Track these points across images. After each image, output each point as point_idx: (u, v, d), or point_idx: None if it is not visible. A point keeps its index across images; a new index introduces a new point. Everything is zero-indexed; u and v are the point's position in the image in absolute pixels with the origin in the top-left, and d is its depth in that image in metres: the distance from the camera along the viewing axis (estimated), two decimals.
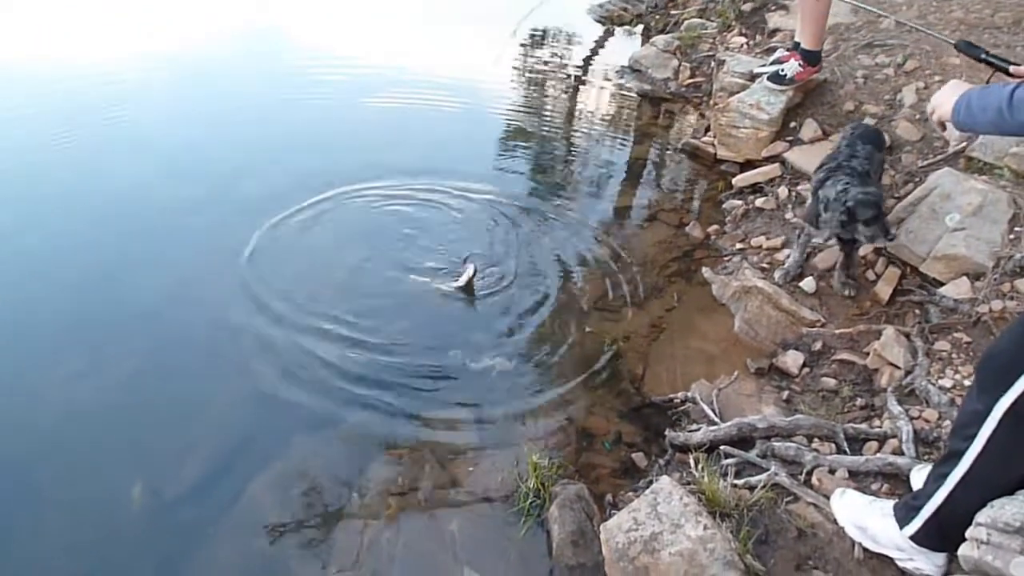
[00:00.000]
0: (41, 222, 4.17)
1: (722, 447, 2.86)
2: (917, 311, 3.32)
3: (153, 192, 4.44)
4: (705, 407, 3.08)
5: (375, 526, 2.68)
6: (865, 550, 2.34)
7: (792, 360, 3.29)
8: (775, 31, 5.73)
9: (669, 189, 4.87)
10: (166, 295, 3.67)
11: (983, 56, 2.44)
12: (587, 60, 6.91)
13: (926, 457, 2.60)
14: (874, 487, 2.59)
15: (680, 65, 6.23)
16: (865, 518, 2.33)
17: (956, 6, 4.85)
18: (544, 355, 3.45)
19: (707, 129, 5.20)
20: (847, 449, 2.77)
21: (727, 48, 5.89)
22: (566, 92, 6.29)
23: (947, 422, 2.71)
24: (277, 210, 4.28)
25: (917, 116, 4.12)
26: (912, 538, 2.17)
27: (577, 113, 5.91)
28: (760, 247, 4.01)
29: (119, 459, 2.92)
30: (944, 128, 2.32)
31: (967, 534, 1.97)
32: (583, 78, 6.53)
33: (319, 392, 3.19)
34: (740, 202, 4.46)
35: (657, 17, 7.48)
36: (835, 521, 2.44)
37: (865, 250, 3.59)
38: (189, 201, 4.32)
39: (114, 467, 2.88)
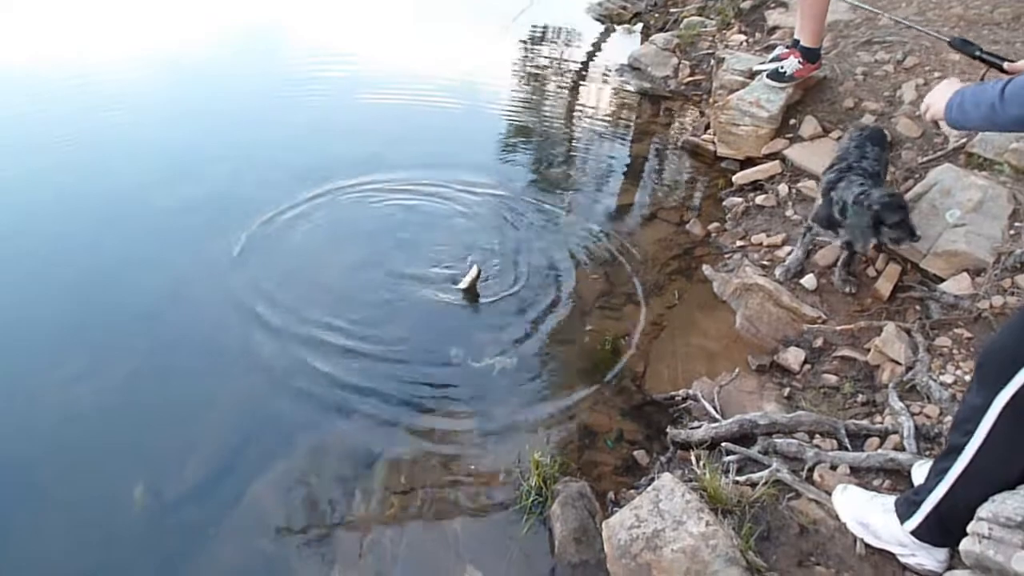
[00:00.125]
0: (39, 223, 4.17)
1: (724, 444, 2.87)
2: (918, 307, 3.33)
3: (152, 192, 4.43)
4: (706, 404, 3.08)
5: (377, 525, 2.68)
6: (867, 546, 2.34)
7: (793, 357, 3.29)
8: (774, 29, 5.73)
9: (669, 187, 4.87)
10: (166, 296, 3.66)
11: (977, 53, 2.45)
12: (587, 58, 6.90)
13: (927, 453, 2.60)
14: (876, 483, 2.59)
15: (680, 63, 6.23)
16: (867, 514, 2.34)
17: (955, 2, 4.85)
18: (545, 353, 3.46)
19: (707, 127, 5.20)
20: (848, 445, 2.77)
21: (726, 46, 5.89)
22: (566, 90, 6.29)
23: (948, 418, 2.71)
24: (276, 208, 4.29)
25: (917, 113, 4.11)
26: (913, 533, 2.17)
27: (577, 111, 5.91)
28: (761, 244, 4.01)
29: (120, 460, 2.92)
30: (937, 127, 2.33)
31: (969, 529, 1.97)
32: (583, 76, 6.53)
33: (320, 392, 3.19)
34: (740, 199, 4.46)
35: (656, 15, 7.49)
36: (837, 517, 2.44)
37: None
38: (188, 200, 4.32)
39: (116, 468, 2.88)
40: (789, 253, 3.74)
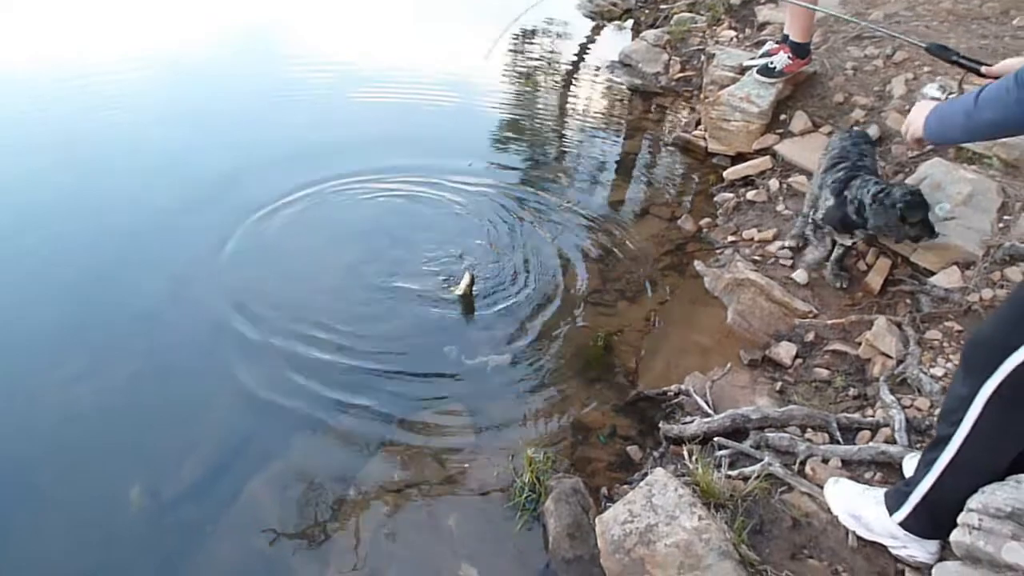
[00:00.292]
0: (37, 223, 4.15)
1: (716, 438, 2.87)
2: (908, 301, 3.34)
3: (149, 192, 4.43)
4: (699, 399, 3.09)
5: (373, 523, 2.69)
6: (859, 538, 2.36)
7: (785, 351, 3.30)
8: (764, 24, 5.74)
9: (661, 183, 4.88)
10: (163, 296, 3.66)
11: (954, 58, 2.46)
12: (578, 55, 6.91)
13: (918, 445, 2.62)
14: (867, 476, 2.60)
15: (670, 59, 6.24)
16: (859, 507, 2.35)
17: None
18: (538, 350, 3.46)
19: (698, 123, 5.21)
20: (840, 439, 2.78)
21: (717, 42, 5.90)
22: (557, 87, 6.30)
23: (939, 410, 2.72)
24: (272, 206, 4.31)
25: (907, 107, 4.13)
26: (901, 524, 2.19)
27: (568, 108, 5.92)
28: (752, 239, 4.02)
29: (118, 460, 2.92)
30: (921, 146, 2.34)
31: (959, 520, 1.98)
32: (574, 73, 6.54)
33: (315, 391, 3.19)
34: (731, 195, 4.47)
35: (647, 11, 7.50)
36: (829, 510, 2.45)
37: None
38: (185, 200, 4.32)
39: (114, 467, 2.88)
40: (809, 255, 3.67)
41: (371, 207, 4.42)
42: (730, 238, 4.12)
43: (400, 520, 2.70)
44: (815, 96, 4.67)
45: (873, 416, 2.86)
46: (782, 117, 4.68)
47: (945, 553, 2.16)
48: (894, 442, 2.66)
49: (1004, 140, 3.52)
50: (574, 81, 6.40)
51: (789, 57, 4.50)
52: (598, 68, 6.55)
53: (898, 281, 3.44)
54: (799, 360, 3.29)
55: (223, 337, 3.43)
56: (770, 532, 2.43)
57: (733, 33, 5.98)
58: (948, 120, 1.98)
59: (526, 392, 3.26)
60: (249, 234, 4.09)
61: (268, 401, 3.13)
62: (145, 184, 4.51)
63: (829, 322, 3.38)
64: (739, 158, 4.72)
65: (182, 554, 2.60)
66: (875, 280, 3.47)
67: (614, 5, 7.76)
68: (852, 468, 2.65)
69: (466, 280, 3.63)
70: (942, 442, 2.02)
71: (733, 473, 2.68)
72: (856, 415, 2.88)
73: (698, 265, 3.94)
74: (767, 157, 4.52)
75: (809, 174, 3.97)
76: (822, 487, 2.52)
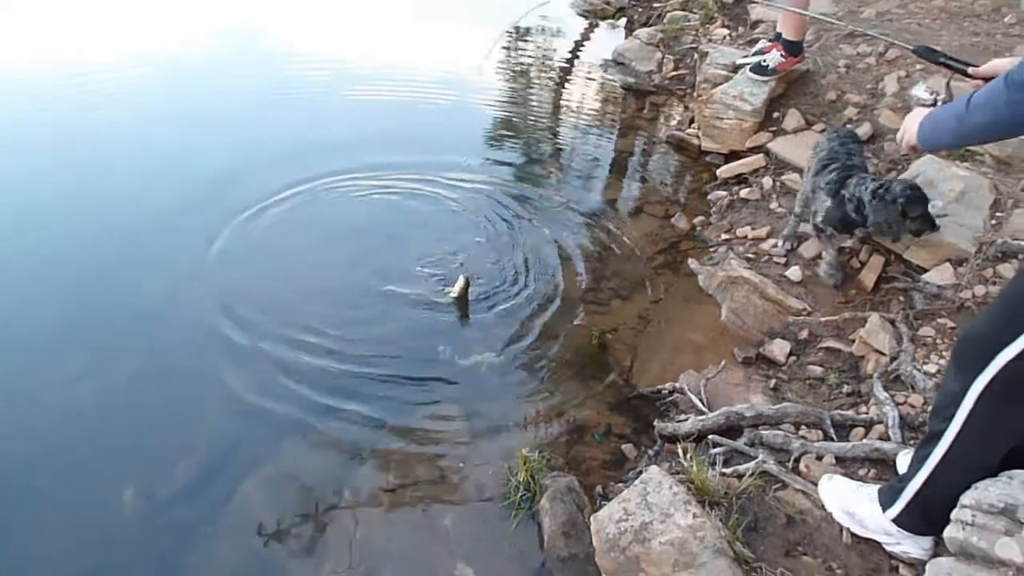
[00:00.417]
0: (36, 224, 4.13)
1: (710, 436, 2.88)
2: (901, 298, 3.35)
3: (145, 191, 4.42)
4: (693, 397, 3.10)
5: (368, 523, 2.68)
6: (853, 535, 2.36)
7: (779, 349, 3.31)
8: (757, 22, 5.76)
9: (655, 181, 4.88)
10: (159, 297, 3.64)
11: (942, 60, 2.46)
12: (572, 54, 6.92)
13: (912, 442, 2.62)
14: (861, 473, 2.61)
15: (663, 57, 6.25)
16: (853, 503, 2.36)
17: None
18: (533, 349, 3.46)
19: (691, 121, 5.22)
20: (834, 436, 2.79)
21: (710, 40, 5.91)
22: (551, 86, 6.30)
23: (931, 407, 2.73)
24: (266, 205, 4.31)
25: (899, 104, 4.14)
26: (895, 520, 2.19)
27: (562, 107, 5.92)
28: (746, 237, 4.03)
29: (113, 461, 2.90)
30: (917, 153, 2.35)
31: (952, 516, 1.99)
32: (568, 72, 6.54)
33: (309, 393, 3.18)
34: (725, 193, 4.48)
35: (640, 10, 7.50)
36: (823, 507, 2.46)
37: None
38: (181, 200, 4.30)
39: (108, 469, 2.87)
40: (824, 264, 3.59)
41: (366, 205, 4.42)
42: (724, 236, 4.13)
43: (395, 520, 2.70)
44: (808, 94, 4.68)
45: (867, 413, 2.86)
46: (775, 115, 4.69)
47: (939, 549, 2.17)
48: (888, 439, 2.67)
49: None
50: (568, 80, 6.40)
51: (782, 55, 4.51)
52: (592, 67, 6.55)
53: (891, 278, 3.45)
54: (793, 357, 3.29)
55: (217, 339, 3.42)
56: (764, 529, 2.43)
57: (726, 31, 5.99)
58: (941, 126, 1.99)
59: (521, 391, 3.26)
60: (244, 233, 4.08)
61: (262, 403, 3.12)
62: (140, 183, 4.50)
63: (823, 319, 3.39)
64: (732, 156, 4.73)
65: (177, 555, 2.59)
66: (868, 277, 3.47)
67: (607, 3, 7.77)
68: (846, 465, 2.66)
69: (460, 283, 3.62)
70: (934, 438, 2.02)
71: (727, 471, 2.69)
72: (850, 412, 2.89)
73: (692, 263, 3.95)
74: (760, 155, 4.53)
75: (803, 171, 3.97)
76: (816, 484, 2.53)
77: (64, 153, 4.79)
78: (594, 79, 6.34)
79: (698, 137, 4.99)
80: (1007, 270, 3.13)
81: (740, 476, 2.62)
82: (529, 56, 6.88)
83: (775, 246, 3.85)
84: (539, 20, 7.44)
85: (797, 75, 4.74)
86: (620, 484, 2.78)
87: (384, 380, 3.27)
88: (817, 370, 3.18)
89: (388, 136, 5.15)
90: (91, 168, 4.69)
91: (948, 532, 1.99)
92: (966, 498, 1.98)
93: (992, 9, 4.66)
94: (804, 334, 3.35)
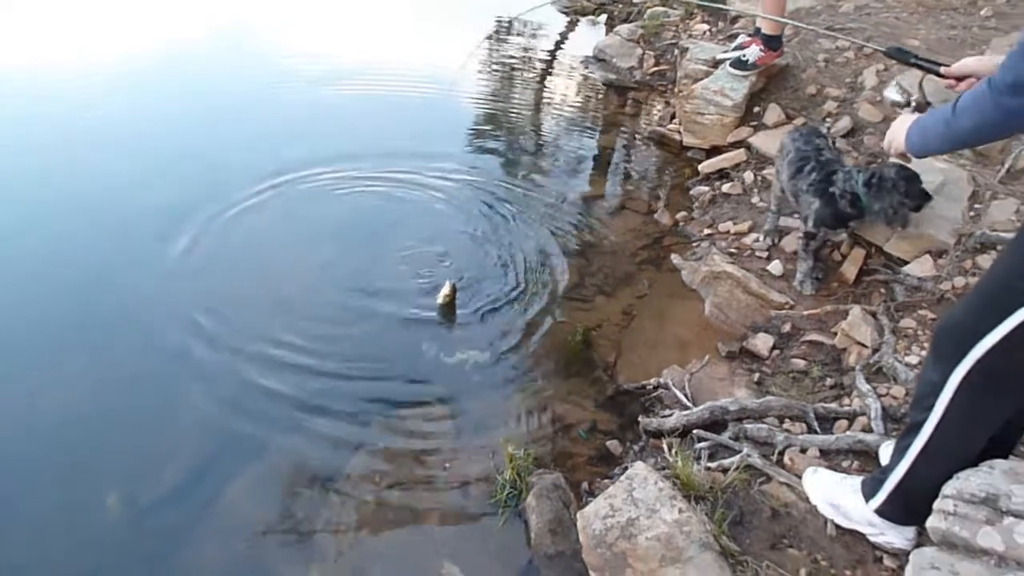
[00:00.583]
0: (16, 228, 4.09)
1: (695, 431, 2.88)
2: (883, 290, 3.38)
3: (126, 191, 4.38)
4: (677, 392, 3.11)
5: (354, 524, 2.68)
6: (838, 527, 2.38)
7: (762, 343, 3.32)
8: (737, 17, 5.77)
9: (637, 177, 4.90)
10: (138, 300, 3.61)
11: (912, 60, 2.48)
12: (553, 50, 6.91)
13: (894, 433, 2.64)
14: (845, 465, 2.63)
15: (644, 54, 6.26)
16: (837, 495, 2.37)
17: None
18: (518, 347, 3.46)
19: (673, 116, 5.23)
20: (817, 428, 2.81)
21: (690, 35, 5.93)
22: (533, 83, 6.29)
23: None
24: (249, 203, 4.30)
25: (878, 98, 4.17)
26: (878, 511, 2.21)
27: (544, 104, 5.92)
28: (728, 232, 4.04)
29: (96, 466, 2.88)
30: (906, 159, 2.36)
31: (934, 506, 2.00)
32: (549, 69, 6.54)
33: (292, 394, 3.16)
34: (707, 188, 4.50)
35: (620, 6, 7.51)
36: (808, 500, 2.47)
37: None
38: (161, 202, 4.25)
39: (91, 474, 2.84)
40: (802, 272, 3.57)
41: (348, 200, 4.44)
42: (706, 231, 4.14)
43: (381, 520, 2.69)
44: (788, 88, 4.70)
45: (850, 405, 2.88)
46: (756, 110, 4.71)
47: (922, 539, 2.18)
48: (871, 430, 2.69)
49: None
50: (549, 77, 6.40)
51: (761, 50, 4.53)
52: (573, 63, 6.55)
53: (872, 271, 3.47)
54: (776, 351, 3.31)
55: (200, 341, 3.39)
56: (750, 523, 2.45)
57: (706, 27, 6.00)
58: (929, 132, 1.99)
59: (506, 389, 3.26)
60: (224, 232, 4.06)
61: (247, 405, 3.10)
62: (118, 183, 4.46)
63: (805, 313, 3.40)
64: (714, 151, 4.74)
65: (164, 558, 2.57)
66: (850, 270, 3.50)
67: (587, 0, 7.77)
68: (830, 457, 2.67)
69: (446, 289, 3.59)
70: (915, 429, 2.04)
71: (712, 465, 2.70)
72: (833, 404, 2.91)
73: (675, 259, 3.96)
74: (742, 150, 4.55)
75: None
76: (800, 477, 2.54)
77: (42, 155, 4.76)
78: (575, 76, 6.34)
79: (679, 133, 4.99)
80: (986, 261, 3.15)
81: (725, 470, 2.63)
82: (511, 54, 6.87)
83: (757, 241, 3.87)
84: (520, 18, 7.43)
85: (777, 70, 4.76)
86: (606, 480, 2.78)
87: (369, 380, 3.26)
88: (800, 363, 3.20)
89: (369, 133, 5.14)
90: (68, 168, 4.65)
91: (930, 522, 2.01)
92: (948, 488, 2.00)
93: (968, 2, 4.69)
94: (787, 328, 3.37)
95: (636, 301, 3.75)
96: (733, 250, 3.88)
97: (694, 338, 3.53)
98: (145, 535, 2.64)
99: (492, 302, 3.70)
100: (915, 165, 3.43)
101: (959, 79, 2.29)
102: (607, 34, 6.87)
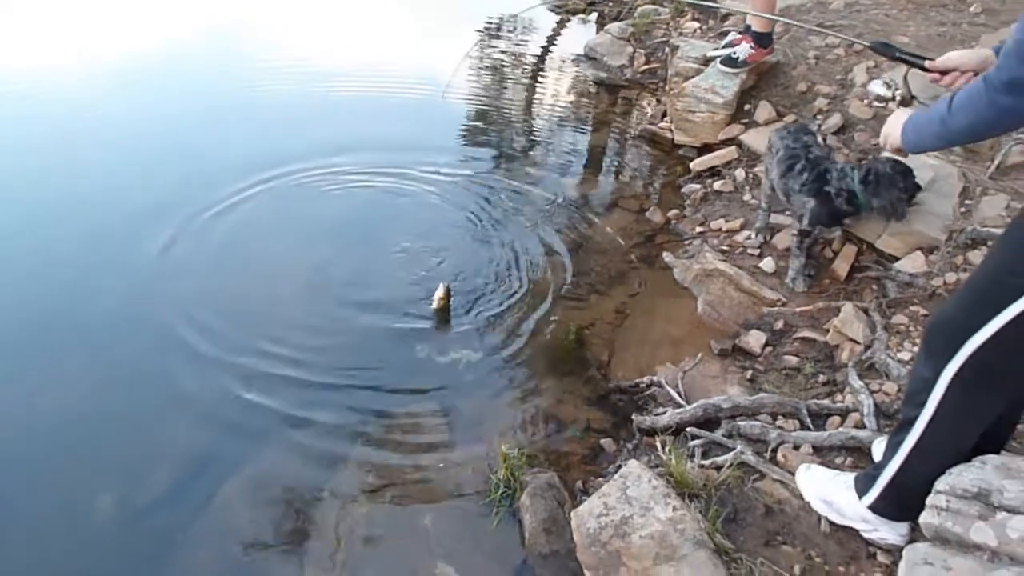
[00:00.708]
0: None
1: (688, 429, 2.89)
2: (874, 286, 3.38)
3: (119, 192, 4.36)
4: (671, 390, 3.11)
5: (348, 525, 2.67)
6: (831, 523, 2.38)
7: (755, 340, 3.33)
8: (727, 15, 5.77)
9: (629, 175, 4.90)
10: (129, 302, 3.60)
11: (897, 55, 2.48)
12: (543, 49, 6.90)
13: (887, 429, 2.64)
14: (838, 461, 2.63)
15: (635, 52, 6.25)
16: (830, 492, 2.38)
17: None
18: (511, 346, 3.46)
19: (664, 114, 5.23)
20: (810, 425, 2.81)
21: (681, 33, 5.93)
22: (524, 82, 6.29)
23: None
24: (239, 201, 4.30)
25: (865, 100, 4.17)
26: (871, 507, 2.21)
27: (535, 103, 5.91)
28: (720, 230, 4.05)
29: (90, 469, 2.87)
30: (902, 155, 2.36)
31: (927, 502, 2.01)
32: (540, 68, 6.53)
33: (285, 395, 3.15)
34: (699, 186, 4.50)
35: (610, 4, 7.50)
36: (801, 497, 2.47)
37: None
38: (151, 203, 4.23)
39: (85, 477, 2.83)
40: (793, 272, 3.56)
41: (339, 199, 4.44)
42: (698, 229, 4.15)
43: (375, 521, 2.69)
44: (779, 85, 4.70)
45: (842, 402, 2.89)
46: (747, 107, 4.71)
47: (915, 535, 2.19)
48: (863, 427, 2.69)
49: None
50: (540, 75, 6.39)
51: (752, 47, 4.53)
52: (564, 62, 6.55)
53: (864, 267, 3.48)
54: (769, 348, 3.31)
55: (191, 343, 3.38)
56: (744, 520, 2.45)
57: (696, 24, 6.01)
58: (924, 129, 1.99)
59: (499, 389, 3.26)
60: (216, 232, 4.05)
61: (240, 406, 3.10)
62: (108, 184, 4.45)
63: (797, 310, 3.41)
64: (705, 149, 4.74)
65: (158, 560, 2.57)
66: (841, 267, 3.50)
67: None
68: (823, 454, 2.68)
69: (440, 292, 3.56)
70: (907, 425, 2.04)
71: (706, 463, 2.70)
72: (826, 401, 2.91)
73: (667, 257, 3.96)
74: (733, 147, 4.55)
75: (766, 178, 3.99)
76: (794, 474, 2.55)
77: (37, 155, 4.75)
78: (566, 74, 6.34)
79: (671, 131, 5.00)
80: (977, 257, 3.17)
81: (719, 468, 2.63)
82: (502, 53, 6.86)
83: (749, 238, 3.87)
84: (511, 16, 7.42)
85: (767, 67, 4.76)
86: (600, 479, 2.79)
87: (362, 380, 3.26)
88: (793, 360, 3.20)
89: (358, 132, 5.11)
90: (61, 168, 4.63)
91: (923, 518, 2.01)
92: (940, 484, 2.00)
93: None
94: (779, 325, 3.38)
95: (629, 299, 3.75)
96: (725, 248, 3.88)
97: (687, 336, 3.53)
98: (140, 537, 2.64)
99: (485, 302, 3.70)
100: (906, 160, 3.45)
101: (943, 73, 2.30)
102: (598, 32, 6.86)
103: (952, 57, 2.27)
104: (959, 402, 1.93)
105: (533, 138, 5.37)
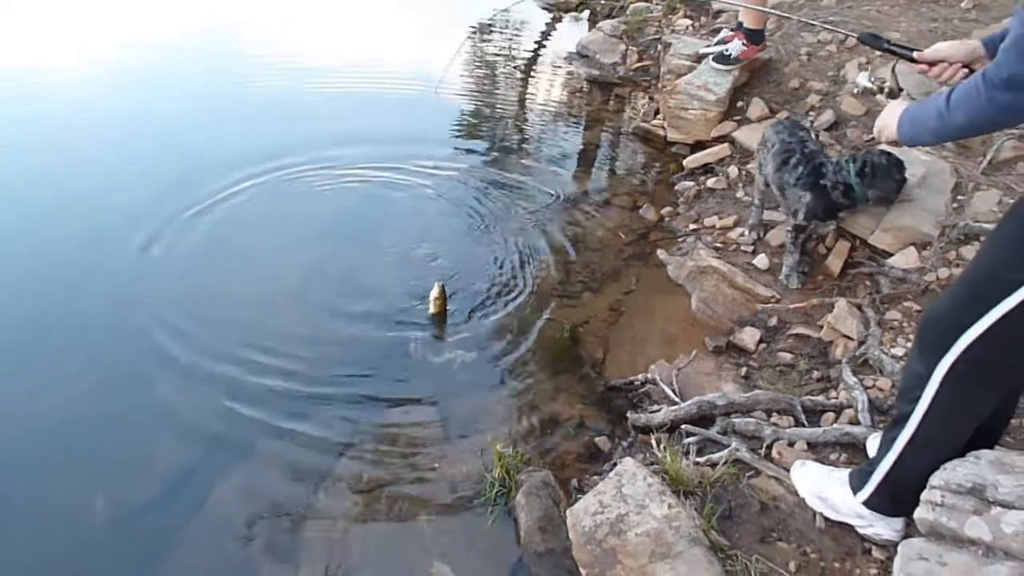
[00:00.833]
0: None
1: (683, 426, 2.89)
2: (868, 282, 3.39)
3: (108, 193, 4.35)
4: (665, 387, 3.11)
5: (343, 525, 2.66)
6: (826, 519, 2.38)
7: (749, 337, 3.33)
8: (720, 12, 5.78)
9: (622, 173, 4.90)
10: (125, 301, 3.58)
11: (886, 46, 2.48)
12: (536, 47, 6.90)
13: (881, 425, 2.64)
14: (832, 457, 2.64)
15: (627, 49, 6.26)
16: (825, 488, 2.38)
17: None
18: (505, 345, 3.45)
19: (657, 112, 5.23)
20: (805, 421, 2.81)
21: (673, 31, 5.92)
22: (517, 80, 6.28)
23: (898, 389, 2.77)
24: (229, 199, 4.29)
25: (855, 91, 4.18)
26: (866, 503, 2.22)
27: (528, 101, 5.91)
28: (713, 227, 4.05)
29: (83, 470, 2.85)
30: (898, 147, 2.36)
31: (922, 497, 2.01)
32: (533, 66, 6.53)
33: (278, 395, 3.15)
34: (692, 183, 4.50)
35: (603, 2, 7.51)
36: (796, 493, 2.48)
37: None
38: (142, 203, 4.21)
39: (79, 478, 2.81)
40: (788, 266, 3.56)
41: (335, 196, 4.44)
42: (692, 226, 4.15)
43: (370, 521, 2.68)
44: (771, 82, 4.71)
45: (837, 398, 2.89)
46: (739, 104, 4.72)
47: (910, 530, 2.19)
48: (858, 423, 2.70)
49: None
50: (533, 74, 6.39)
51: (744, 44, 4.53)
52: (556, 60, 6.55)
53: (857, 263, 3.49)
54: (763, 345, 3.31)
55: (182, 344, 3.37)
56: (739, 517, 2.45)
57: (689, 21, 6.01)
58: (921, 124, 1.98)
59: (494, 387, 3.25)
60: (209, 230, 4.05)
61: (231, 406, 3.08)
62: (101, 185, 4.43)
63: (791, 306, 3.41)
64: (698, 146, 4.75)
65: (153, 560, 2.55)
66: (835, 263, 3.51)
67: None
68: (817, 450, 2.68)
69: (435, 292, 3.53)
70: (902, 420, 2.05)
71: (701, 460, 2.70)
72: (820, 397, 2.92)
73: (661, 254, 3.96)
74: (726, 144, 4.56)
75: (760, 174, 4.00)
76: (789, 470, 2.55)
77: (33, 155, 4.74)
78: (559, 72, 6.34)
79: (664, 128, 5.00)
80: (969, 252, 3.17)
81: (714, 465, 2.63)
82: (494, 51, 6.86)
83: (742, 235, 3.88)
84: (503, 14, 7.41)
85: (760, 64, 4.76)
86: (595, 477, 2.78)
87: (356, 380, 3.25)
88: (787, 357, 3.21)
89: (350, 129, 5.11)
90: (53, 168, 4.61)
91: (918, 513, 2.02)
92: (935, 479, 2.01)
93: None
94: (773, 321, 3.38)
95: (623, 297, 3.75)
96: (719, 245, 3.89)
97: (681, 333, 3.53)
98: (134, 537, 2.63)
99: (479, 301, 3.69)
100: (899, 154, 3.45)
101: (931, 64, 2.30)
102: (590, 30, 6.86)
103: (940, 48, 2.26)
104: (953, 397, 1.93)
105: (526, 136, 5.37)
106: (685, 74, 4.85)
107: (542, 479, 2.69)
